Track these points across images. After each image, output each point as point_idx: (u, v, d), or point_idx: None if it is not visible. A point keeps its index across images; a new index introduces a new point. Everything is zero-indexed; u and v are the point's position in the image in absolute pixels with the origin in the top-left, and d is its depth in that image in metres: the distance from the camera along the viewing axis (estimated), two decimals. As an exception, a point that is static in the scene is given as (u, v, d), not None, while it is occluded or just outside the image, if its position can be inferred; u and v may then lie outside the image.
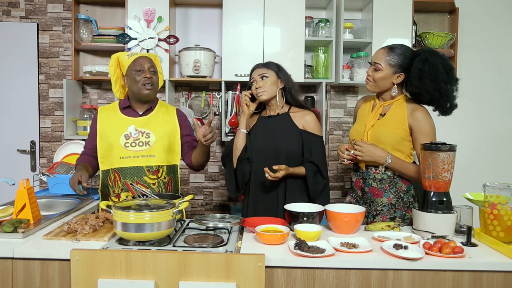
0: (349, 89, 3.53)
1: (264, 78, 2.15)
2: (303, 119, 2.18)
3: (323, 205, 1.90)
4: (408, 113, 2.02)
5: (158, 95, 3.39)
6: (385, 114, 2.07)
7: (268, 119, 2.22)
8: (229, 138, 3.24)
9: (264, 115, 2.25)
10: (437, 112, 2.07)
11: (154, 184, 2.11)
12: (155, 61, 2.22)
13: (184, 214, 2.26)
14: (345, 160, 2.06)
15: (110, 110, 2.20)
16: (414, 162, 2.08)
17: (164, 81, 3.13)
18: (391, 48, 2.03)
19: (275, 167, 2.01)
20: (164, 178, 2.14)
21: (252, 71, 2.22)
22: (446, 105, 2.02)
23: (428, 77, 1.95)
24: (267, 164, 2.09)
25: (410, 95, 2.07)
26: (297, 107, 2.23)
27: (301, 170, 2.11)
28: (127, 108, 2.17)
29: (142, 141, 2.10)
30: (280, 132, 2.16)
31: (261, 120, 2.24)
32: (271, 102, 2.20)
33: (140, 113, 2.16)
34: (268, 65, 2.20)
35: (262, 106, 2.27)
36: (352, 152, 2.03)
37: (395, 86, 2.04)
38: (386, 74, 2.02)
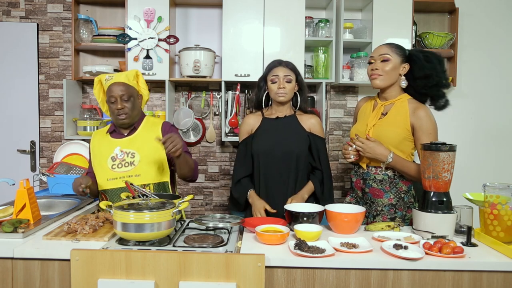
0: (349, 89, 3.52)
1: (289, 81, 2.16)
2: (309, 122, 2.22)
3: (327, 203, 1.92)
4: (410, 112, 2.02)
5: (158, 96, 3.43)
6: (386, 113, 2.07)
7: (276, 120, 2.22)
8: (229, 138, 3.24)
9: (269, 117, 2.24)
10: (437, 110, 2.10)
11: None
12: (136, 78, 2.16)
13: (183, 214, 2.26)
14: (351, 157, 2.06)
15: (101, 134, 2.22)
16: (413, 162, 2.08)
17: (164, 81, 3.13)
18: (390, 43, 2.09)
19: (289, 200, 2.08)
20: None
21: (273, 66, 2.20)
22: (444, 92, 2.10)
23: (435, 59, 2.03)
24: (277, 164, 2.14)
25: (415, 85, 2.07)
26: (301, 110, 2.26)
27: (309, 187, 2.17)
28: (113, 132, 2.19)
29: (128, 161, 2.10)
30: (289, 133, 2.18)
31: (267, 121, 2.23)
32: (286, 104, 2.22)
33: (125, 134, 2.17)
34: (292, 67, 2.20)
35: (261, 106, 2.27)
36: (354, 147, 2.03)
37: (403, 77, 2.06)
38: (395, 64, 2.03)
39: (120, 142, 2.14)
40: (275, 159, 2.16)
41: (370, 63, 2.10)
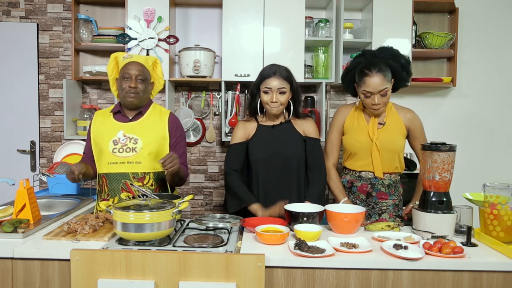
0: (349, 89, 3.52)
1: (282, 93, 2.10)
2: (303, 125, 2.22)
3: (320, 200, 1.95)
4: (403, 117, 2.17)
5: (158, 96, 3.42)
6: (384, 123, 2.15)
7: (272, 128, 2.20)
8: (229, 138, 3.24)
9: (265, 124, 2.21)
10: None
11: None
12: (154, 65, 2.18)
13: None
14: None
15: (104, 114, 2.18)
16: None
17: (164, 81, 3.12)
18: (380, 69, 2.04)
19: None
20: (151, 185, 2.10)
21: (267, 76, 2.11)
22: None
23: (408, 64, 2.13)
24: (278, 173, 2.13)
25: (397, 89, 2.18)
26: (296, 115, 2.24)
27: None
28: (118, 113, 2.15)
29: (130, 147, 2.06)
30: (287, 139, 2.17)
31: (263, 129, 2.20)
32: (280, 113, 2.20)
33: (130, 117, 2.13)
34: (286, 77, 2.11)
35: (256, 113, 2.23)
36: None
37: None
38: (390, 90, 2.09)
39: (124, 126, 2.10)
40: (275, 168, 2.14)
41: (366, 96, 2.06)
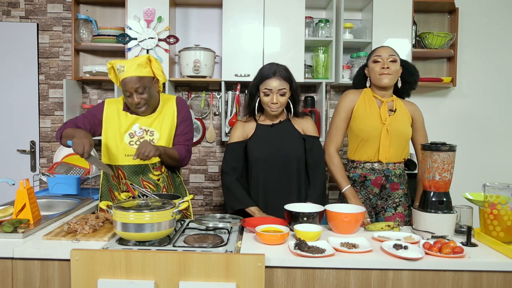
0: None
1: (283, 94, 2.09)
2: (302, 124, 2.22)
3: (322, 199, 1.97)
4: (408, 108, 2.21)
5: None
6: (395, 110, 2.17)
7: (272, 127, 2.19)
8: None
9: (264, 123, 2.21)
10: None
11: (158, 179, 2.13)
12: (147, 66, 2.06)
13: (192, 213, 2.28)
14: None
15: (117, 106, 2.16)
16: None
17: (165, 75, 3.11)
18: (390, 47, 2.21)
19: None
20: (167, 172, 2.17)
21: (266, 77, 2.09)
22: None
23: (414, 69, 2.27)
24: (278, 172, 2.13)
25: (403, 88, 2.25)
26: (295, 114, 2.23)
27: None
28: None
29: (147, 139, 2.10)
30: (287, 138, 2.17)
31: (262, 128, 2.20)
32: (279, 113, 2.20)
33: None
34: (285, 77, 2.09)
35: (254, 113, 2.23)
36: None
37: (399, 78, 2.19)
38: (399, 65, 2.16)
39: (139, 119, 2.13)
40: (275, 167, 2.14)
41: (376, 61, 2.14)
